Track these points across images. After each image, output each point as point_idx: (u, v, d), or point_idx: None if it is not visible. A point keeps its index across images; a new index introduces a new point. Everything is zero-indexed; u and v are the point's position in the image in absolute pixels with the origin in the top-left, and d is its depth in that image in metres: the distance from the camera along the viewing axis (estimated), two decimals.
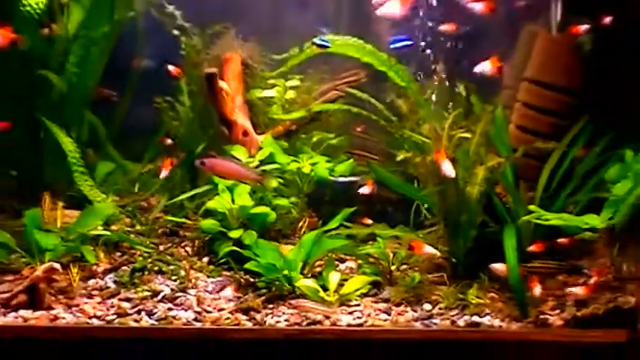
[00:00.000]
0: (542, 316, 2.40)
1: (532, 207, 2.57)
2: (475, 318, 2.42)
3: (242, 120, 2.90)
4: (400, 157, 2.70)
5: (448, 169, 2.51)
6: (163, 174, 2.86)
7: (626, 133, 2.59)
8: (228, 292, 2.57)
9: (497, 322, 2.41)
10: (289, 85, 3.06)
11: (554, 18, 2.96)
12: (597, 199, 2.62)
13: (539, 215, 2.54)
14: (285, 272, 2.55)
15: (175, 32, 3.03)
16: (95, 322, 2.40)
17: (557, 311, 2.43)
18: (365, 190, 2.81)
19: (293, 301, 2.49)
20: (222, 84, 2.86)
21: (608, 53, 2.69)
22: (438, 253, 2.55)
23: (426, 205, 2.81)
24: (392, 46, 2.99)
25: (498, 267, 2.49)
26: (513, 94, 2.90)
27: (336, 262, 2.75)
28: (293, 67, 3.05)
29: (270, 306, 2.49)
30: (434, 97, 2.98)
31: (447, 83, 3.00)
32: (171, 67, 3.01)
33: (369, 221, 2.87)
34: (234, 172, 2.66)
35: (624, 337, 2.31)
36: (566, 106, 2.78)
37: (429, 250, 2.54)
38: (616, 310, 2.39)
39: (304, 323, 2.40)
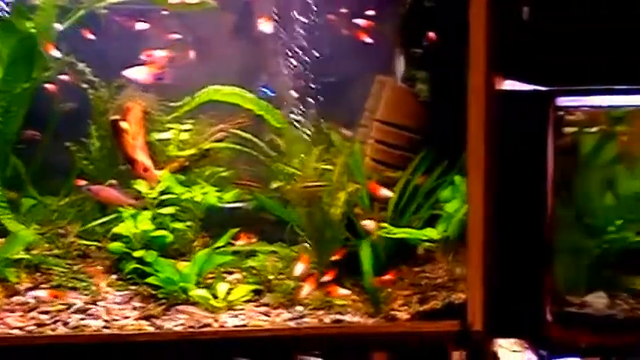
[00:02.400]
0: (392, 312, 2.58)
1: (383, 224, 2.76)
2: (338, 316, 2.57)
3: (143, 158, 2.96)
4: (274, 185, 2.86)
5: (385, 192, 2.70)
6: None
7: (456, 162, 2.79)
8: (133, 303, 2.66)
9: (356, 319, 2.56)
10: (183, 128, 3.14)
11: (399, 69, 3.14)
12: (435, 216, 2.83)
13: (388, 230, 2.73)
14: (182, 284, 2.66)
15: (85, 85, 3.08)
16: (17, 332, 2.46)
17: (405, 307, 2.61)
18: None
19: (182, 307, 2.60)
20: (125, 127, 2.93)
21: (439, 100, 2.92)
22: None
23: (297, 225, 2.92)
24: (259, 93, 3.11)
25: None
26: (368, 132, 3.07)
27: (225, 275, 2.84)
28: (186, 113, 3.13)
29: (169, 313, 2.58)
30: (304, 136, 3.11)
31: (315, 124, 3.13)
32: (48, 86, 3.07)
33: (253, 239, 2.98)
34: (114, 198, 2.82)
35: (457, 327, 2.50)
36: (410, 141, 2.98)
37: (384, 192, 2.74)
38: (450, 305, 2.58)
39: (197, 326, 2.52)
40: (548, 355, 2.53)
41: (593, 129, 2.73)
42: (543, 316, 2.49)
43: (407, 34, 3.07)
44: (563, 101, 2.49)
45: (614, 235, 2.66)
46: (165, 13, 3.19)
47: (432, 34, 2.94)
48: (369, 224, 2.69)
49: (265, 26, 3.01)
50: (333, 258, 2.73)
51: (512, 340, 2.64)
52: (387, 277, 2.67)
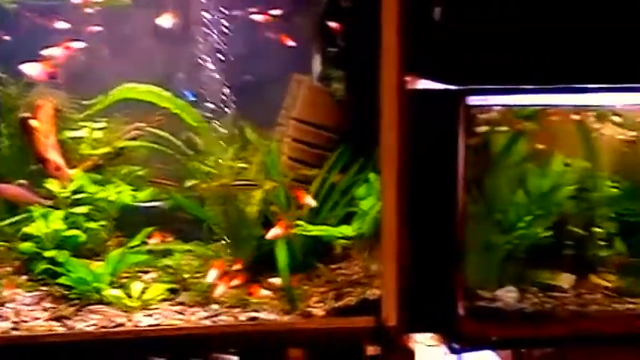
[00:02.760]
0: (307, 309, 2.63)
1: (299, 222, 2.80)
2: (254, 313, 2.60)
3: (55, 156, 2.94)
4: (189, 183, 2.88)
5: (309, 200, 2.74)
6: None
7: (371, 160, 2.85)
8: (44, 304, 2.63)
9: (272, 316, 2.59)
10: (96, 127, 3.12)
11: (316, 69, 3.19)
12: (351, 213, 2.89)
13: (304, 228, 2.78)
14: (95, 284, 2.65)
15: None
16: None
17: (321, 304, 2.66)
18: None
19: (94, 307, 2.59)
20: (35, 125, 2.90)
21: (354, 98, 2.99)
22: None
23: (213, 223, 2.93)
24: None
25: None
26: (285, 130, 3.09)
27: (141, 274, 2.83)
28: (100, 111, 3.09)
29: (81, 314, 2.57)
30: (220, 134, 3.12)
31: (231, 122, 3.15)
32: None
33: (169, 238, 2.98)
34: (19, 195, 2.83)
35: (372, 323, 2.55)
36: (326, 140, 3.03)
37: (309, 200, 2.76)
38: (365, 301, 2.63)
39: (110, 326, 2.51)
40: (461, 349, 2.60)
41: (504, 128, 2.84)
42: (455, 311, 2.55)
43: (322, 33, 3.13)
44: (473, 100, 2.56)
45: (524, 231, 2.76)
46: (77, 9, 3.17)
47: (336, 26, 2.99)
48: (275, 232, 2.72)
49: (164, 21, 3.02)
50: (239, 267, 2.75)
51: (428, 335, 2.72)
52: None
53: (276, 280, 2.70)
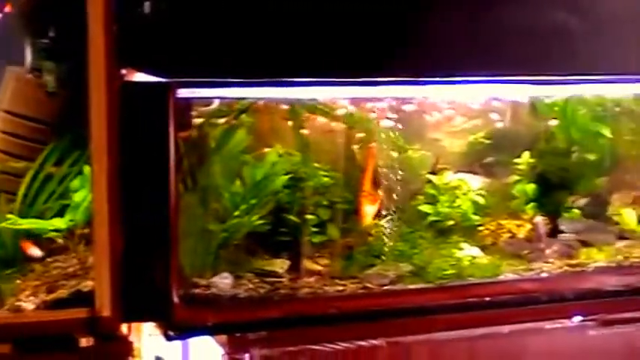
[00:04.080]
0: (17, 303, 2.72)
1: (10, 215, 2.89)
2: None
3: None
4: None
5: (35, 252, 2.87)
6: None
7: (85, 152, 2.98)
8: None
9: None
10: None
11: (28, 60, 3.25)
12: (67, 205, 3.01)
13: (13, 222, 2.87)
14: None
15: None
16: None
17: (32, 298, 2.76)
18: None
19: None
20: None
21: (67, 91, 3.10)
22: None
23: None
24: None
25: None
26: None
27: None
28: None
29: None
30: None
31: None
32: None
33: None
34: None
35: (85, 314, 2.69)
36: (38, 132, 3.12)
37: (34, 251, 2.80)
38: (79, 293, 2.76)
39: None
40: (176, 336, 2.79)
41: (221, 120, 3.08)
42: (170, 299, 2.73)
43: (32, 23, 3.20)
44: (184, 93, 2.77)
45: (239, 219, 3.02)
46: None
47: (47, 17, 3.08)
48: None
49: None
50: None
51: (150, 325, 2.91)
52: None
53: None
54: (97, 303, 2.69)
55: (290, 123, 3.17)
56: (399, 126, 3.34)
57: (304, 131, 3.17)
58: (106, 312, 2.70)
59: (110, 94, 2.65)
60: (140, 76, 2.74)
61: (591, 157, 3.65)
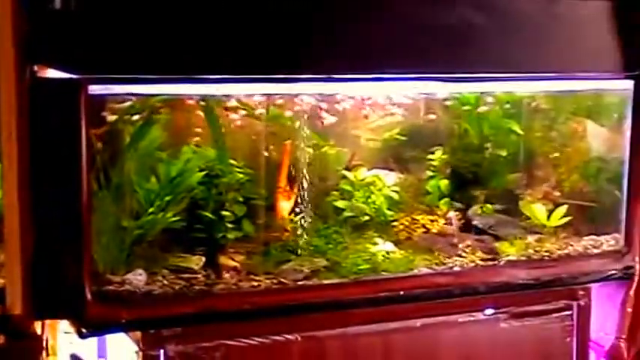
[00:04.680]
0: None
1: None
2: None
3: None
4: None
5: None
6: None
7: None
8: None
9: None
10: None
11: None
12: None
13: None
14: None
15: None
16: None
17: None
18: None
19: None
20: None
21: None
22: None
23: None
24: None
25: None
26: None
27: None
28: None
29: None
30: None
31: None
32: None
33: None
34: None
35: None
36: None
37: None
38: None
39: None
40: (89, 334, 2.84)
41: (135, 117, 3.14)
42: (83, 296, 2.79)
43: None
44: (97, 90, 2.83)
45: (154, 216, 3.09)
46: None
47: None
48: None
49: None
50: None
51: (65, 322, 2.96)
52: None
53: None
54: (8, 301, 2.75)
55: (205, 119, 3.23)
56: (315, 123, 3.44)
57: (220, 128, 3.25)
58: (18, 310, 2.75)
59: (20, 90, 2.70)
60: (51, 73, 2.78)
61: (503, 153, 3.80)
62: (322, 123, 3.48)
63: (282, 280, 3.15)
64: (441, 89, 3.48)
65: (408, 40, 3.15)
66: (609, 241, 3.73)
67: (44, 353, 3.05)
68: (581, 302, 3.64)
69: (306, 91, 3.30)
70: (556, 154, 3.91)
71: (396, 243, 3.49)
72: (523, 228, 3.72)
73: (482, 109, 3.75)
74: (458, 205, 3.71)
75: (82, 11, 2.76)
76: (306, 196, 3.41)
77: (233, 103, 3.30)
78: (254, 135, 3.40)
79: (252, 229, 3.32)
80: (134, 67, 2.83)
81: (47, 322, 3.08)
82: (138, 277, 2.97)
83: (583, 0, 3.47)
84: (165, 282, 3.02)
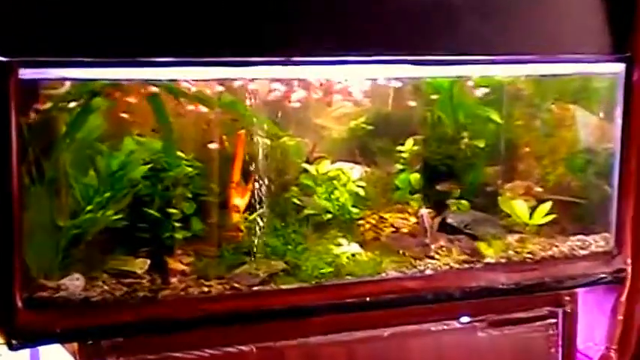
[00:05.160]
0: None
1: None
2: None
3: None
4: None
5: None
6: None
7: None
8: None
9: None
10: None
11: None
12: None
13: None
14: None
15: None
16: None
17: None
18: None
19: None
20: None
21: None
22: None
23: None
24: None
25: None
26: None
27: None
28: None
29: None
30: None
31: None
32: None
33: None
34: None
35: None
36: None
37: None
38: None
39: None
40: (20, 345, 2.85)
41: (72, 104, 3.16)
42: (14, 303, 2.82)
43: None
44: (29, 74, 2.85)
45: (92, 214, 3.11)
46: None
47: None
48: None
49: None
50: None
51: None
52: None
53: None
54: None
55: (150, 107, 3.24)
56: (273, 111, 3.49)
57: (166, 116, 3.25)
58: None
59: None
60: None
61: (480, 144, 3.85)
62: (280, 111, 3.50)
63: (236, 285, 3.19)
64: (411, 73, 3.49)
65: (372, 18, 3.20)
66: (598, 242, 3.79)
67: None
68: (567, 309, 3.70)
69: (262, 75, 3.30)
70: (539, 145, 3.95)
71: (362, 244, 3.52)
72: (502, 227, 3.76)
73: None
74: (430, 201, 3.73)
75: None
76: (262, 191, 3.44)
77: (181, 88, 3.28)
78: (204, 124, 3.41)
79: (202, 228, 3.34)
80: (70, 49, 2.86)
81: None
82: (75, 282, 2.99)
83: None
84: (106, 287, 3.04)
